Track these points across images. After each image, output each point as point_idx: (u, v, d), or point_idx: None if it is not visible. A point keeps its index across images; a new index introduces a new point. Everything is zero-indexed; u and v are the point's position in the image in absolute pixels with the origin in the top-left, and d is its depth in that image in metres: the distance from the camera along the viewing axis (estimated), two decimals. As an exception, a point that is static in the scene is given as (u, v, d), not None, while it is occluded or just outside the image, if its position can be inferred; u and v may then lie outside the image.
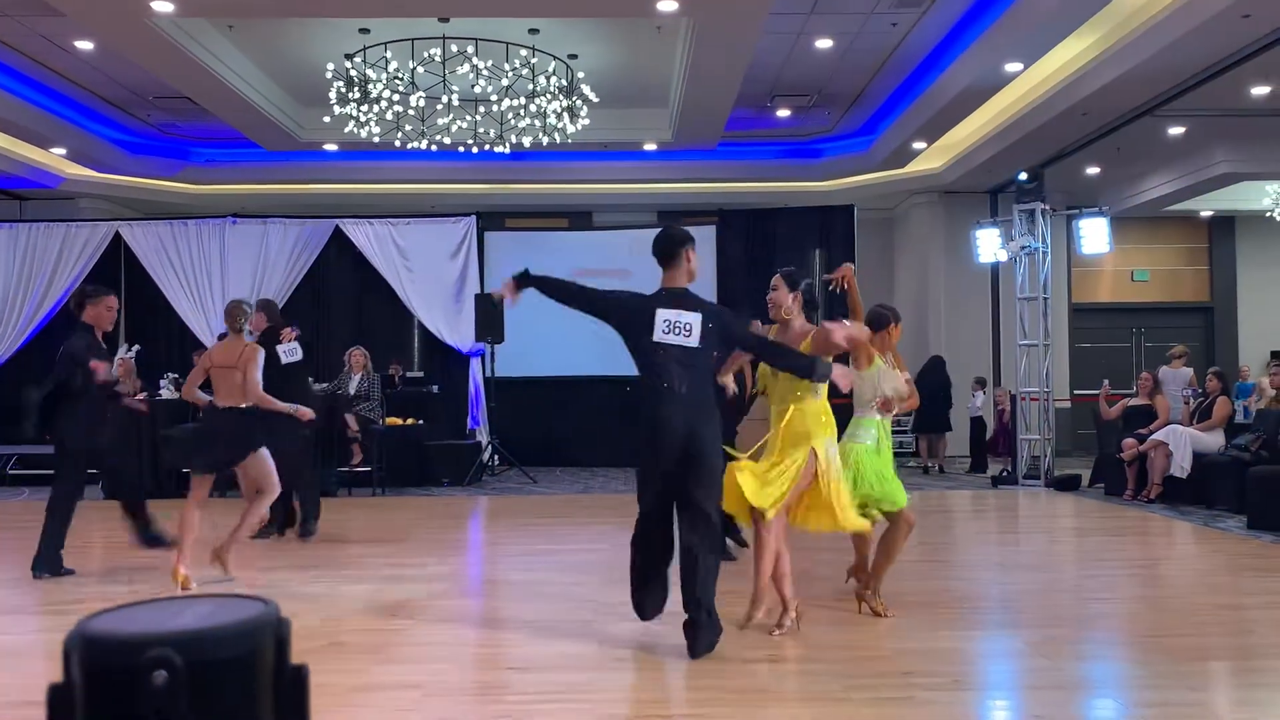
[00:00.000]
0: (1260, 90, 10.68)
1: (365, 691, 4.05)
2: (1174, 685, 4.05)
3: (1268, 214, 15.22)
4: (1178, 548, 7.95)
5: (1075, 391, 15.90)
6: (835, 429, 4.82)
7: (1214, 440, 9.90)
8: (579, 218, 15.87)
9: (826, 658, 4.43)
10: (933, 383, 13.07)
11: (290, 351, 8.32)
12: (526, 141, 10.93)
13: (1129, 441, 10.43)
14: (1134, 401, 11.17)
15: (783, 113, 13.54)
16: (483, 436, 13.74)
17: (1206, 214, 16.52)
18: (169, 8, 9.01)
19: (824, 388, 4.80)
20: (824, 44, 10.93)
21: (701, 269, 16.99)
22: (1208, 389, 10.41)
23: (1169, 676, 4.16)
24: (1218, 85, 10.04)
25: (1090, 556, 7.44)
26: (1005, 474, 12.08)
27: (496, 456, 13.43)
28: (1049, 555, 7.67)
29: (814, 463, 4.65)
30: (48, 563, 6.35)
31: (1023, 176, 12.04)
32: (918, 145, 13.53)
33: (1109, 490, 10.85)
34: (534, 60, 10.20)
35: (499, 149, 11.14)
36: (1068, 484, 11.38)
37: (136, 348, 12.47)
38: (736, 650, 4.63)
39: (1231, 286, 17.06)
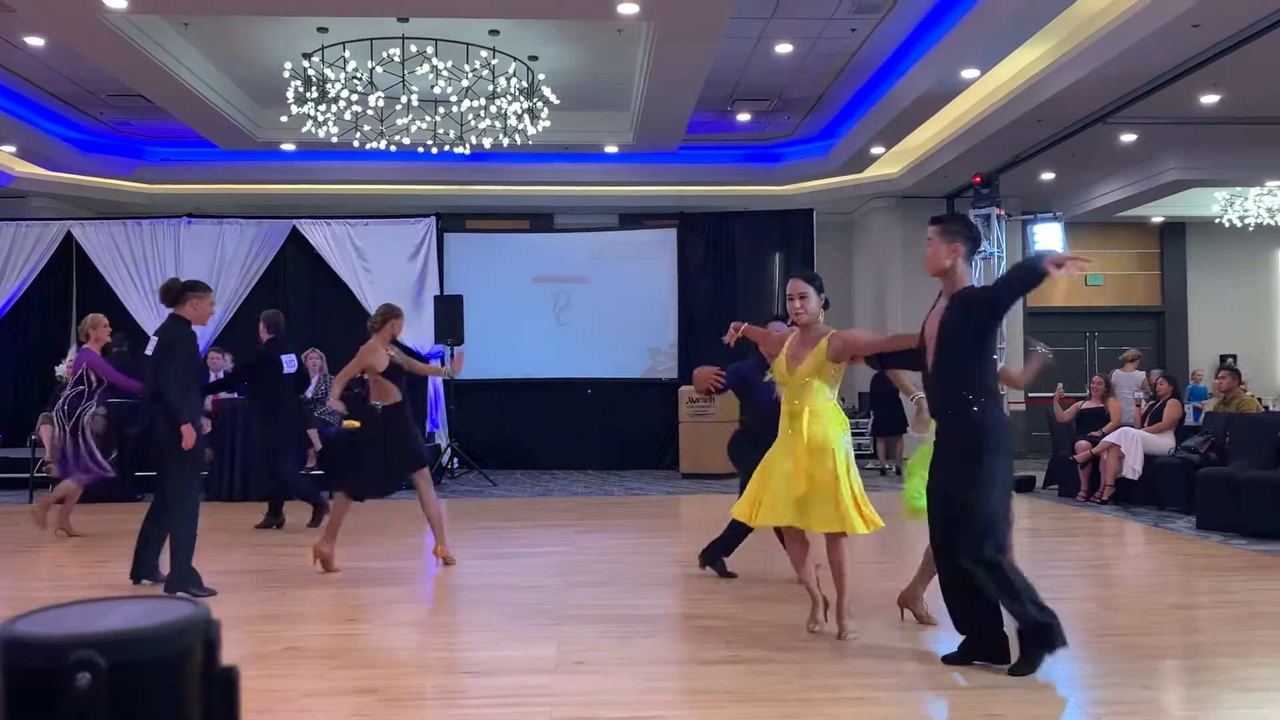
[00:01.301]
0: (1209, 99, 10.88)
1: (321, 696, 4.01)
2: (1126, 684, 4.11)
3: (1217, 220, 15.52)
4: (1129, 548, 8.08)
5: (1029, 394, 16.11)
6: (848, 426, 4.82)
7: (1164, 442, 10.08)
8: (540, 219, 15.84)
9: (785, 658, 4.45)
10: (890, 385, 13.18)
11: (290, 363, 9.21)
12: (487, 143, 10.88)
13: (1082, 444, 10.59)
14: (1087, 404, 11.34)
15: (743, 117, 13.60)
16: (442, 439, 13.67)
17: (1158, 220, 16.81)
18: (122, 4, 8.86)
19: (835, 389, 4.82)
20: (784, 49, 11.00)
21: (663, 272, 17.05)
22: (1158, 392, 10.60)
23: (1121, 675, 4.23)
24: (1168, 93, 10.21)
25: (1044, 557, 7.53)
26: (961, 476, 12.19)
27: (456, 459, 13.36)
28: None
29: (834, 465, 4.66)
30: (186, 579, 5.92)
31: (977, 182, 12.19)
32: (876, 150, 13.65)
33: (1062, 492, 11.01)
34: (494, 61, 10.15)
35: (459, 150, 11.08)
36: (1022, 485, 11.52)
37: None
38: (695, 652, 4.65)
39: (1182, 291, 17.38)
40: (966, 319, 4.23)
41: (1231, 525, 8.12)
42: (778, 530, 5.41)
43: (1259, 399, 11.97)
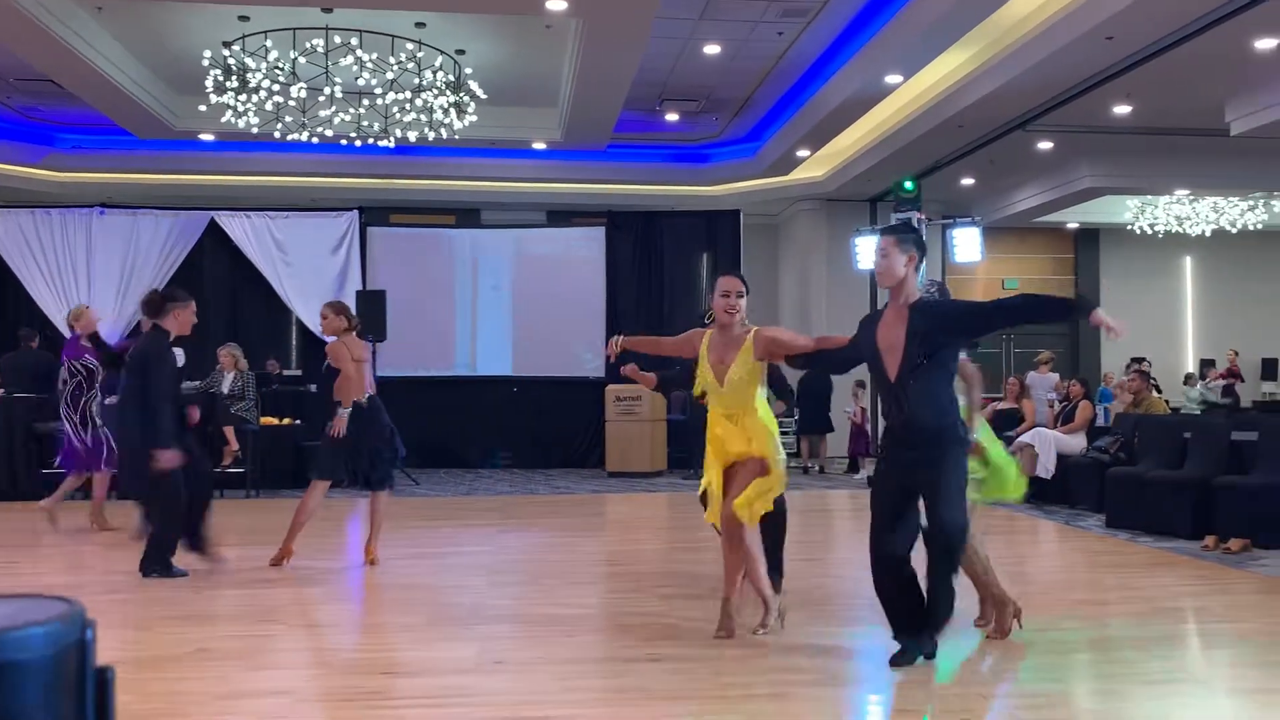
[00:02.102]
0: (1122, 109, 11.21)
1: (232, 699, 3.92)
2: (1037, 678, 4.21)
3: (1128, 227, 16.01)
4: (1042, 545, 8.28)
5: (949, 395, 16.41)
6: (777, 427, 4.79)
7: (1076, 443, 10.35)
8: (466, 215, 15.69)
9: (703, 655, 4.47)
10: (814, 385, 13.34)
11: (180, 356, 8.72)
12: (412, 136, 10.75)
13: (998, 443, 10.82)
14: (1002, 405, 11.61)
15: (671, 117, 13.64)
16: (363, 437, 13.46)
17: (1072, 226, 17.28)
18: (32, -15, 8.58)
19: (764, 387, 4.78)
20: (712, 50, 11.05)
21: (591, 270, 16.98)
22: (1070, 394, 10.89)
23: (1032, 669, 4.33)
24: (1083, 103, 10.51)
25: (960, 554, 7.67)
26: (881, 475, 12.39)
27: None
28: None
29: (761, 467, 4.61)
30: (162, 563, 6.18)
31: (909, 185, 12.40)
32: (802, 153, 13.79)
33: (979, 490, 11.23)
34: (420, 54, 10.03)
35: (383, 143, 10.92)
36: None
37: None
38: (616, 650, 4.64)
39: (1095, 296, 17.84)
40: (937, 329, 4.21)
41: (1139, 523, 8.38)
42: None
43: (1167, 401, 12.36)
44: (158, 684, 4.10)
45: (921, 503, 4.34)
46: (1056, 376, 12.62)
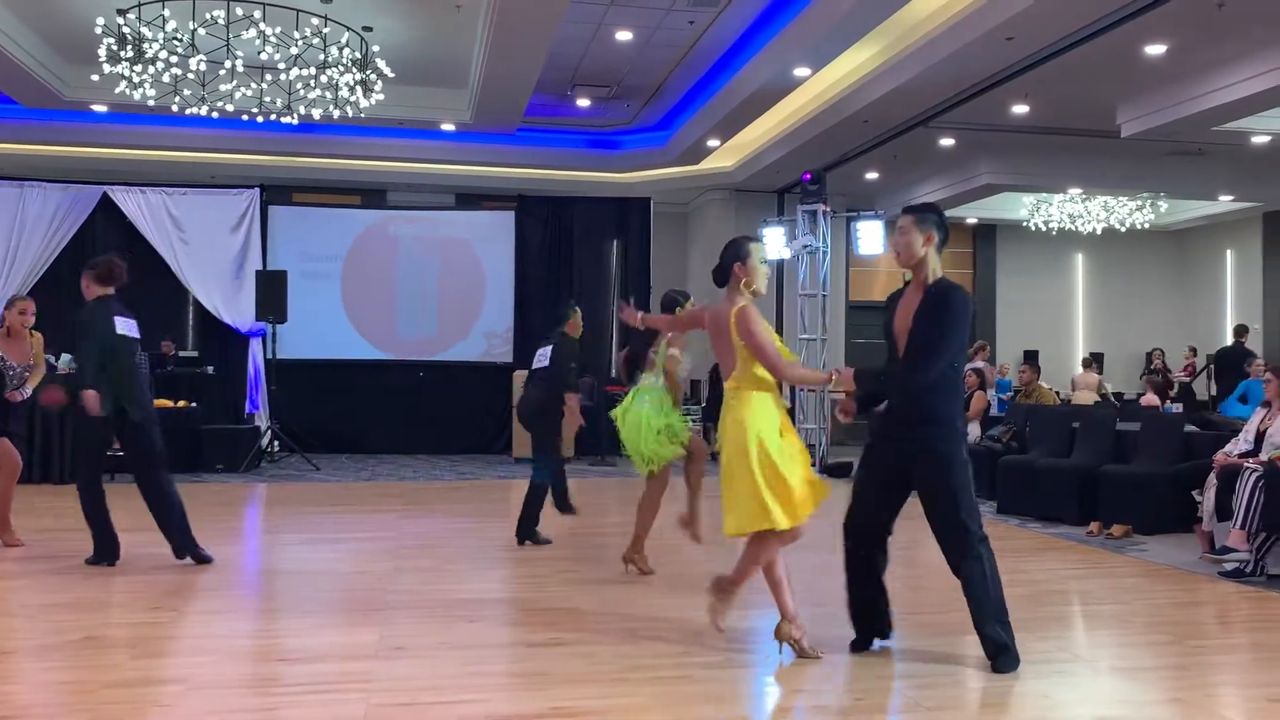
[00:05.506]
0: (1020, 109, 11.54)
1: (121, 687, 3.80)
2: (927, 658, 4.34)
3: (1024, 223, 16.50)
4: (936, 531, 8.50)
5: (852, 384, 16.70)
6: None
7: (971, 432, 10.66)
8: (372, 195, 15.42)
9: (607, 639, 4.50)
10: (720, 374, 13.47)
11: None
12: (316, 113, 10.48)
13: (897, 432, 11.08)
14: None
15: (583, 102, 13.58)
16: (262, 421, 13.18)
17: (972, 221, 17.74)
18: (-91, -59, 8.13)
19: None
20: (624, 36, 11.04)
21: (500, 255, 16.82)
22: (966, 384, 11.20)
23: (923, 650, 4.46)
24: (983, 101, 10.79)
25: (859, 540, 7.84)
26: (785, 462, 12.58)
27: (276, 442, 12.90)
28: (820, 538, 8.03)
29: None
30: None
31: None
32: (712, 143, 13.88)
33: (879, 478, 11.49)
34: (326, 30, 9.80)
35: (286, 120, 10.63)
36: (840, 471, 11.99)
37: None
38: (519, 635, 4.64)
39: (992, 289, 18.40)
40: (941, 311, 4.18)
41: (1028, 510, 8.68)
42: None
43: (1056, 392, 12.80)
44: (43, 673, 3.96)
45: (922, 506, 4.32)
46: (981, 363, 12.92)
